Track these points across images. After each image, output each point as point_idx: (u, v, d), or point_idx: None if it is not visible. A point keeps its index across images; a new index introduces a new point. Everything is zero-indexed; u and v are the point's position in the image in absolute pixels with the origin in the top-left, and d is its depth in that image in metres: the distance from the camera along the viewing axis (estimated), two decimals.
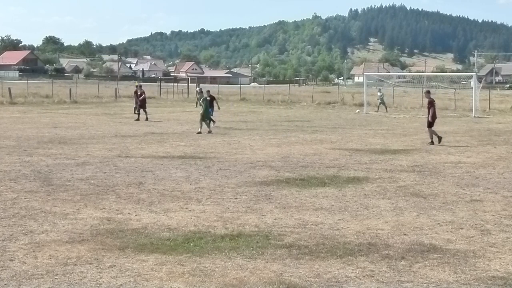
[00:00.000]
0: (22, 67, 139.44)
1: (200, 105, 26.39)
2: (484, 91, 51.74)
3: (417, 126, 29.03)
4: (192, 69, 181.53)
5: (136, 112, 34.28)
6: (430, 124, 20.44)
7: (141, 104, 30.38)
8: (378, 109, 42.15)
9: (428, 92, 21.73)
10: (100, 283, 6.11)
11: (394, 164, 15.17)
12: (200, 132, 23.01)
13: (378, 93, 43.81)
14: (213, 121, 25.47)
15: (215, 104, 27.67)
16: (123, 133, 23.04)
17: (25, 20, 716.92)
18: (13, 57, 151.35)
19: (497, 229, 8.60)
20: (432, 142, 20.03)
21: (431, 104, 20.72)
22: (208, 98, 25.74)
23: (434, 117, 20.52)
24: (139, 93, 30.70)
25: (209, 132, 23.34)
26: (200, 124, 23.68)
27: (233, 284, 6.11)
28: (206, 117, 24.02)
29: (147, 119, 29.65)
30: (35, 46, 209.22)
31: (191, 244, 7.55)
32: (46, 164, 14.39)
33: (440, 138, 20.14)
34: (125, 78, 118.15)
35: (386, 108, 42.05)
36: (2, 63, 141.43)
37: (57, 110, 38.37)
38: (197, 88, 36.49)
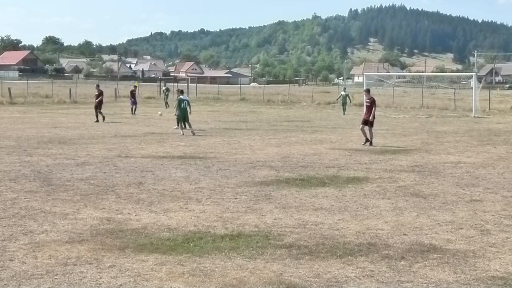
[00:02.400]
0: (22, 67, 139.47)
1: (167, 103, 26.63)
2: (484, 91, 51.75)
3: (417, 126, 29.04)
4: (192, 69, 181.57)
5: (133, 112, 34.05)
6: (371, 123, 19.71)
7: (97, 104, 29.00)
8: (343, 112, 38.54)
9: (368, 90, 20.95)
10: (100, 283, 6.11)
11: (394, 164, 15.17)
12: (193, 132, 22.84)
13: (342, 93, 40.75)
14: (178, 125, 24.79)
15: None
16: (123, 133, 23.04)
17: (24, 20, 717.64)
18: (13, 57, 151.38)
19: (497, 229, 8.60)
20: (370, 142, 19.44)
21: (373, 103, 19.97)
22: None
23: (374, 117, 19.92)
24: (97, 93, 29.49)
25: (183, 133, 22.91)
26: (188, 124, 23.39)
27: (233, 284, 6.11)
28: (180, 116, 23.51)
29: (97, 121, 28.29)
30: (35, 46, 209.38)
31: (191, 244, 7.55)
32: (46, 164, 14.39)
33: (370, 141, 19.50)
34: (125, 78, 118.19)
35: (344, 111, 38.57)
36: (2, 63, 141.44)
37: (57, 110, 38.40)
38: (164, 88, 36.44)
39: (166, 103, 43.48)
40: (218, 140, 20.96)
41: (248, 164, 14.79)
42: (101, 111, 29.00)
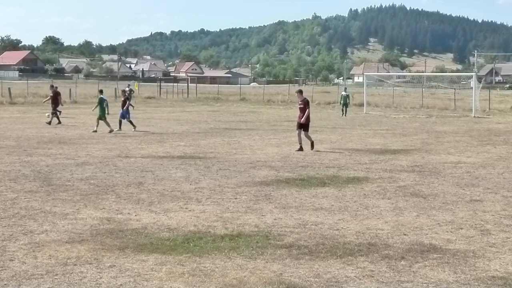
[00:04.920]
0: (22, 67, 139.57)
1: (131, 105, 26.75)
2: (484, 91, 51.76)
3: (417, 126, 29.04)
4: (192, 69, 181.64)
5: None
6: (307, 127, 18.10)
7: (55, 106, 27.49)
8: (343, 113, 36.38)
9: (301, 91, 18.90)
10: (100, 283, 6.11)
11: (394, 164, 15.16)
12: (112, 131, 23.01)
13: (343, 93, 38.58)
14: (120, 127, 24.22)
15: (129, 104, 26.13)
16: (123, 133, 23.04)
17: (24, 20, 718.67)
18: (13, 57, 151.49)
19: (497, 229, 8.60)
20: (312, 146, 17.82)
21: (307, 104, 18.19)
22: (123, 98, 25.40)
23: (309, 119, 18.21)
24: (52, 94, 28.04)
25: (111, 131, 22.97)
26: (104, 123, 23.48)
27: (233, 284, 6.11)
28: (102, 115, 23.71)
29: (50, 123, 26.50)
30: (35, 46, 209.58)
31: (191, 244, 7.55)
32: (46, 164, 14.39)
33: (312, 144, 17.89)
34: (125, 78, 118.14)
35: (345, 113, 36.41)
36: (2, 63, 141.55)
37: None
38: (127, 88, 36.09)
39: (130, 103, 41.95)
40: (218, 140, 20.96)
41: (248, 164, 14.78)
42: (56, 112, 27.38)
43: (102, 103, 24.00)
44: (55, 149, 17.44)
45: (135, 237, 7.86)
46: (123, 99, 25.38)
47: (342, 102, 37.74)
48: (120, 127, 24.15)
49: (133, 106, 37.66)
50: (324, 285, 6.13)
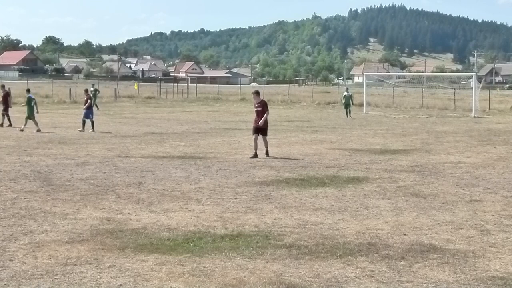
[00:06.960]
0: (22, 67, 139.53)
1: (96, 105, 26.50)
2: (484, 91, 51.76)
3: (417, 126, 29.04)
4: (192, 69, 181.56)
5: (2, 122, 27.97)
6: (265, 132, 16.95)
7: (5, 107, 26.29)
8: (347, 115, 35.56)
9: (257, 93, 17.65)
10: (100, 283, 6.11)
11: (394, 164, 15.16)
12: (39, 130, 23.16)
13: (345, 93, 37.46)
14: (83, 127, 23.90)
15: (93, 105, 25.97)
16: (123, 133, 23.04)
17: (24, 20, 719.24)
18: (13, 57, 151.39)
19: (497, 229, 8.59)
20: (267, 152, 16.56)
21: (265, 106, 17.05)
22: (85, 97, 25.09)
23: (266, 123, 17.05)
24: (2, 95, 26.84)
25: (38, 130, 23.08)
26: (33, 122, 23.71)
27: (233, 284, 6.11)
28: (30, 114, 23.98)
29: (10, 125, 25.50)
30: (35, 46, 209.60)
31: (191, 244, 7.54)
32: (46, 164, 14.39)
33: (266, 151, 16.58)
34: (125, 78, 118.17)
35: (349, 113, 35.63)
36: (2, 63, 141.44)
37: (57, 110, 38.39)
38: (92, 89, 35.73)
39: (95, 104, 41.04)
40: (218, 140, 20.96)
41: (248, 164, 14.79)
42: (7, 113, 26.20)
43: (30, 102, 24.25)
44: (55, 149, 17.44)
45: (135, 237, 7.86)
46: (85, 98, 25.04)
47: (344, 102, 36.82)
48: (83, 127, 23.94)
49: (97, 107, 37.19)
50: (324, 285, 6.13)
